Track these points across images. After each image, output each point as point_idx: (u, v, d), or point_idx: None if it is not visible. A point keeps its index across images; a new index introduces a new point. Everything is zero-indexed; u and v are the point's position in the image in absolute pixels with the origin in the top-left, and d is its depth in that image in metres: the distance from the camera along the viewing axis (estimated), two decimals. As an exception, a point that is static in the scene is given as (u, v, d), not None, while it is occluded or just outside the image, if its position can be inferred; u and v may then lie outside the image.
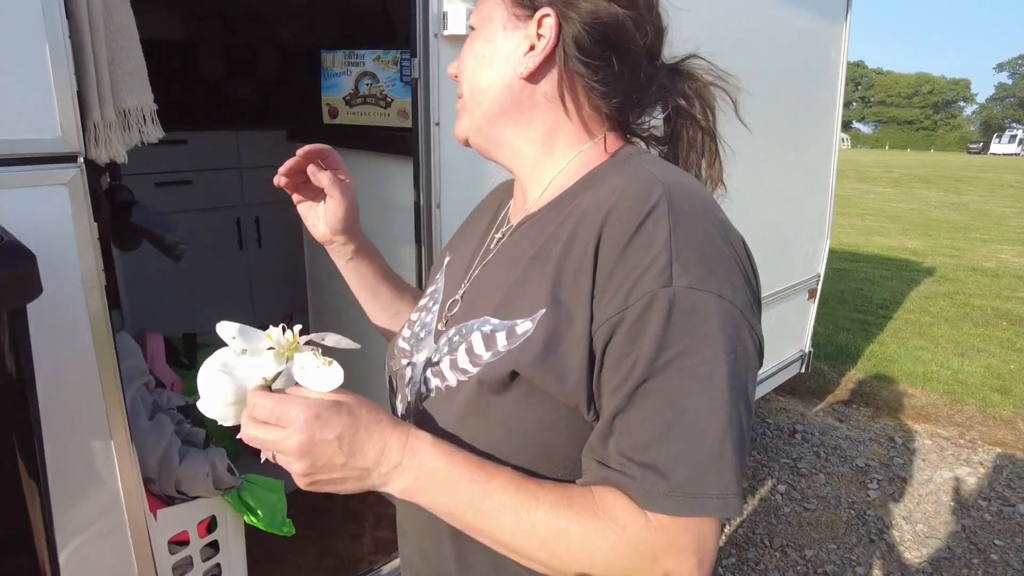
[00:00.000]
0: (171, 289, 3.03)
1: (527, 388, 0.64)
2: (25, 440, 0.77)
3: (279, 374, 0.61)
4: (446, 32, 1.44)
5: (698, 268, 0.58)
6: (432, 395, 0.72)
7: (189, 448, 1.38)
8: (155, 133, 1.17)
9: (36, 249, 0.95)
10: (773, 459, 3.34)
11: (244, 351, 0.62)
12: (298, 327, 0.62)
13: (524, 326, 0.65)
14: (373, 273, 0.98)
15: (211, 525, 1.42)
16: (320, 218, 0.92)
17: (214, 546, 1.44)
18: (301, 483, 0.60)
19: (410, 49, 1.46)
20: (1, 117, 0.89)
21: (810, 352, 3.42)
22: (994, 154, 53.19)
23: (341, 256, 0.97)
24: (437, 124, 1.49)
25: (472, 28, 0.76)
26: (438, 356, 0.74)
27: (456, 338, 0.72)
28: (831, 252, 8.72)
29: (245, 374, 0.61)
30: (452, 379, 0.70)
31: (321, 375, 0.61)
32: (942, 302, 6.26)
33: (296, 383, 0.61)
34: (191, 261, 3.10)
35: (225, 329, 0.62)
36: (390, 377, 0.84)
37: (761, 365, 0.64)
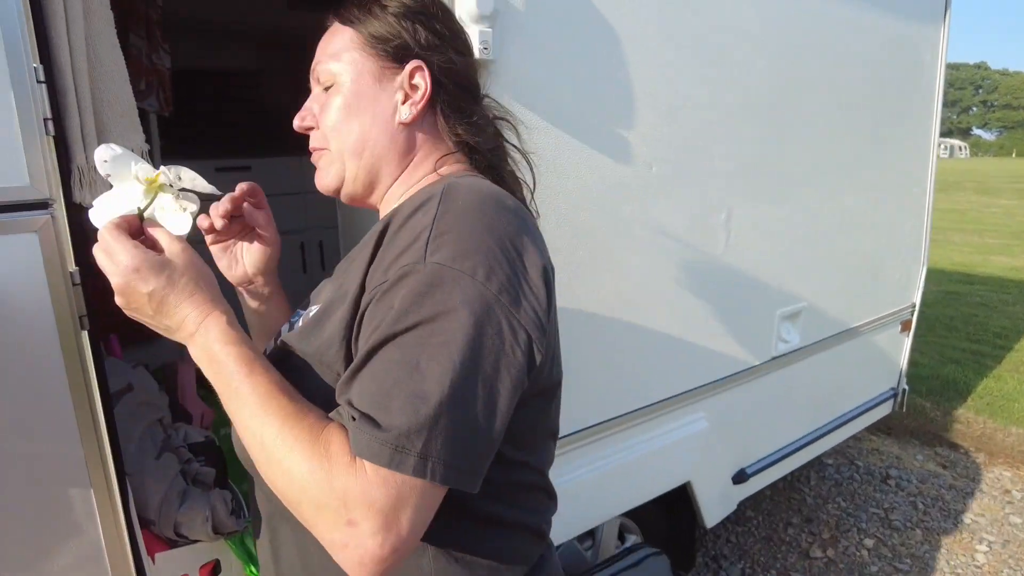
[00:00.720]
0: (235, 313, 3.11)
1: (297, 360, 0.73)
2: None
3: (148, 206, 0.71)
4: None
5: (452, 249, 0.63)
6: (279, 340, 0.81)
7: (193, 489, 1.35)
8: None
9: (5, 296, 0.94)
10: (860, 508, 3.01)
11: (109, 176, 0.70)
12: (164, 168, 0.70)
13: (312, 311, 0.75)
14: (283, 314, 0.98)
15: (216, 568, 1.39)
16: (240, 258, 0.94)
17: (219, 591, 1.40)
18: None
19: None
20: (-40, 166, 0.88)
21: (904, 390, 3.06)
22: None
23: (256, 298, 0.97)
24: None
25: (326, 82, 0.82)
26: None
27: (285, 331, 0.82)
28: (941, 273, 7.99)
29: (120, 201, 0.71)
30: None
31: (172, 219, 0.71)
32: (1075, 331, 5.55)
33: None
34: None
35: (102, 152, 0.69)
36: None
37: (535, 363, 0.66)
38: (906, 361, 3.03)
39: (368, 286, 0.67)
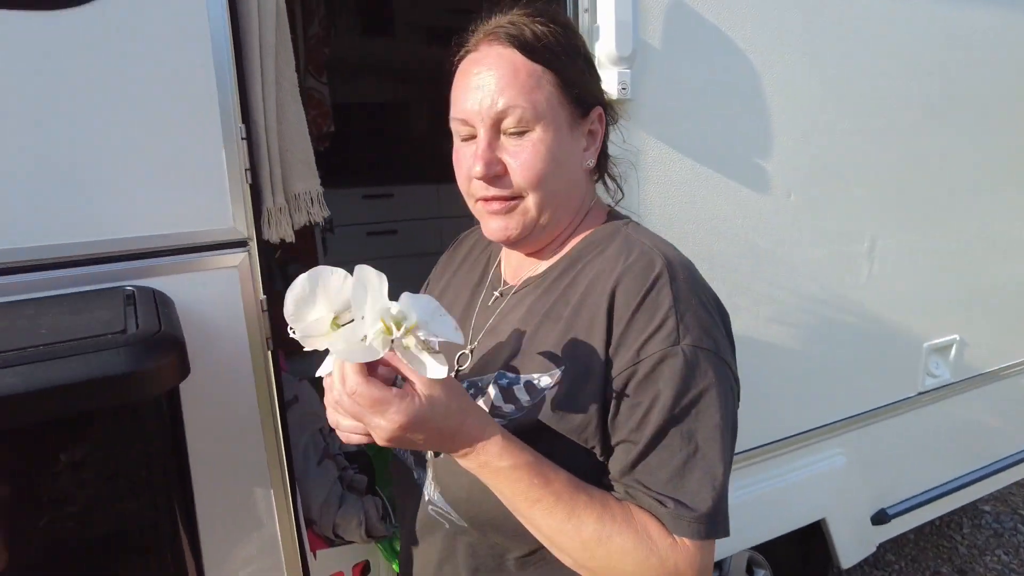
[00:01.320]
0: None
1: (551, 435, 0.74)
2: (179, 497, 0.88)
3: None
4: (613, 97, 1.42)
5: (695, 329, 0.71)
6: None
7: (349, 494, 1.49)
8: (320, 213, 1.31)
9: (208, 322, 1.11)
10: (1026, 561, 2.72)
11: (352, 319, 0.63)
12: (412, 321, 0.61)
13: (543, 381, 0.75)
14: None
15: (365, 569, 1.52)
16: None
17: (367, 589, 1.53)
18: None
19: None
20: (182, 212, 1.06)
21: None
22: None
23: None
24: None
25: (520, 127, 0.75)
26: None
27: (472, 391, 0.80)
28: None
29: (353, 349, 0.62)
30: None
31: (421, 362, 0.63)
32: None
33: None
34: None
35: (364, 274, 0.62)
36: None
37: (738, 399, 0.77)
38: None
39: (616, 364, 0.71)
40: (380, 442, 0.66)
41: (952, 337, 2.09)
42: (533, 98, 0.74)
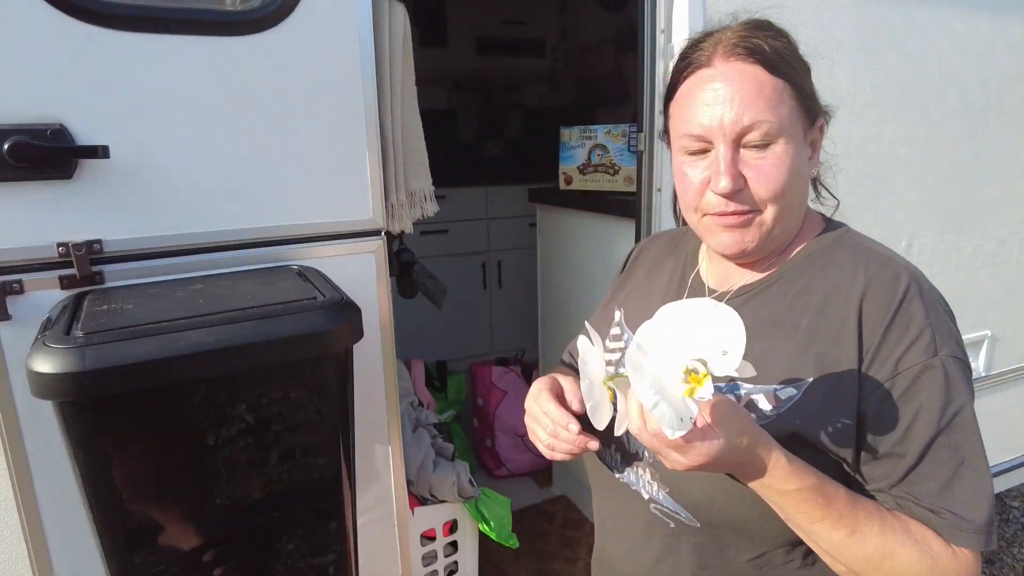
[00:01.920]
0: (428, 323, 3.55)
1: (801, 444, 0.74)
2: (347, 442, 1.07)
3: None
4: (669, 109, 1.60)
5: (949, 340, 0.73)
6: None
7: (440, 459, 1.68)
8: (433, 208, 1.49)
9: (353, 298, 1.30)
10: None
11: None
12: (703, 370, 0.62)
13: (787, 392, 0.76)
14: None
15: (453, 527, 1.70)
16: None
17: (454, 545, 1.71)
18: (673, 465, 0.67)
19: (637, 124, 1.64)
20: (336, 204, 1.25)
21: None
22: None
23: None
24: (659, 190, 1.65)
25: (764, 139, 0.75)
26: None
27: None
28: None
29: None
30: None
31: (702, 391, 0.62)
32: None
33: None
34: (448, 298, 3.62)
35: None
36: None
37: None
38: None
39: (873, 376, 0.73)
40: (673, 467, 0.67)
41: (984, 333, 2.24)
42: (778, 112, 0.74)
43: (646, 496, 0.86)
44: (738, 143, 0.76)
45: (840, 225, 0.88)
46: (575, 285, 2.26)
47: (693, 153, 0.79)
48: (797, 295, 0.80)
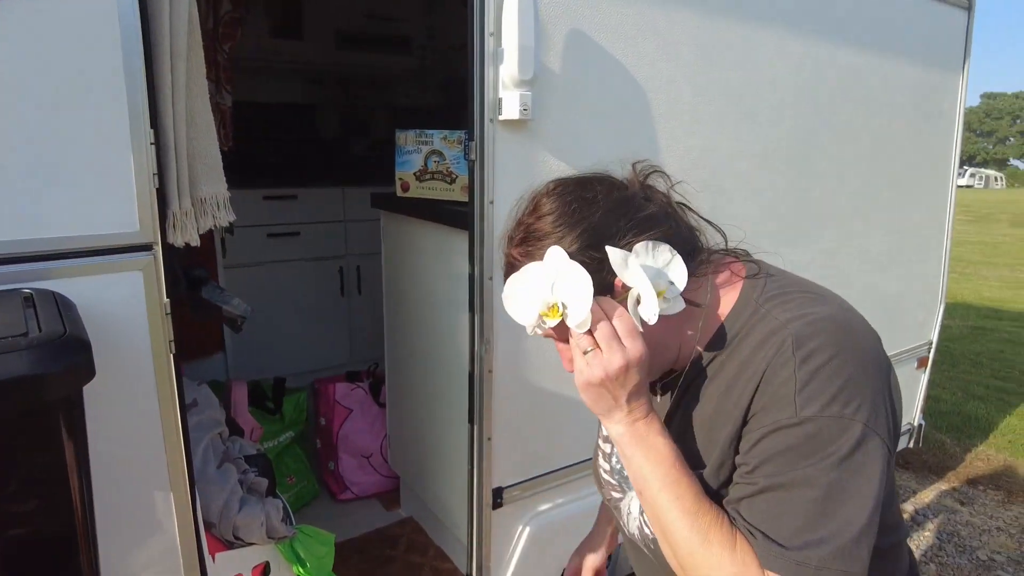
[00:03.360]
0: (278, 333, 3.31)
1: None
2: (84, 498, 0.89)
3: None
4: (501, 117, 1.51)
5: (820, 397, 0.71)
6: (659, 542, 0.82)
7: (250, 497, 1.50)
8: (227, 217, 1.32)
9: (111, 325, 1.11)
10: (875, 542, 3.06)
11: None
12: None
13: (703, 473, 0.81)
14: None
15: (266, 570, 1.53)
16: None
17: (268, 590, 1.55)
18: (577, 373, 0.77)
19: (468, 132, 1.55)
20: (87, 215, 1.06)
21: (920, 425, 3.12)
22: None
23: None
24: (491, 202, 1.56)
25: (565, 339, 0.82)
26: None
27: None
28: (969, 308, 7.93)
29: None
30: None
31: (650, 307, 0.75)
32: (1106, 371, 5.50)
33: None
34: (298, 308, 3.39)
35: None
36: (609, 504, 1.01)
37: (892, 442, 0.75)
38: (923, 397, 3.10)
39: (743, 436, 0.78)
40: (578, 382, 0.77)
41: (813, 342, 2.34)
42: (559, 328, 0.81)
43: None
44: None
45: (753, 281, 0.87)
46: (419, 296, 2.14)
47: None
48: (720, 387, 0.81)
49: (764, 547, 0.72)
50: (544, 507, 1.84)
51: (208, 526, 1.44)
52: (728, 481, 0.79)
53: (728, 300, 0.85)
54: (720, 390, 0.81)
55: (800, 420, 0.71)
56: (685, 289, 0.79)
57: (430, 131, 1.86)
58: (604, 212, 0.80)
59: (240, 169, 3.28)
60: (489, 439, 1.69)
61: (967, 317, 7.25)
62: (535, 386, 1.74)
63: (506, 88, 1.49)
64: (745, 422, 0.77)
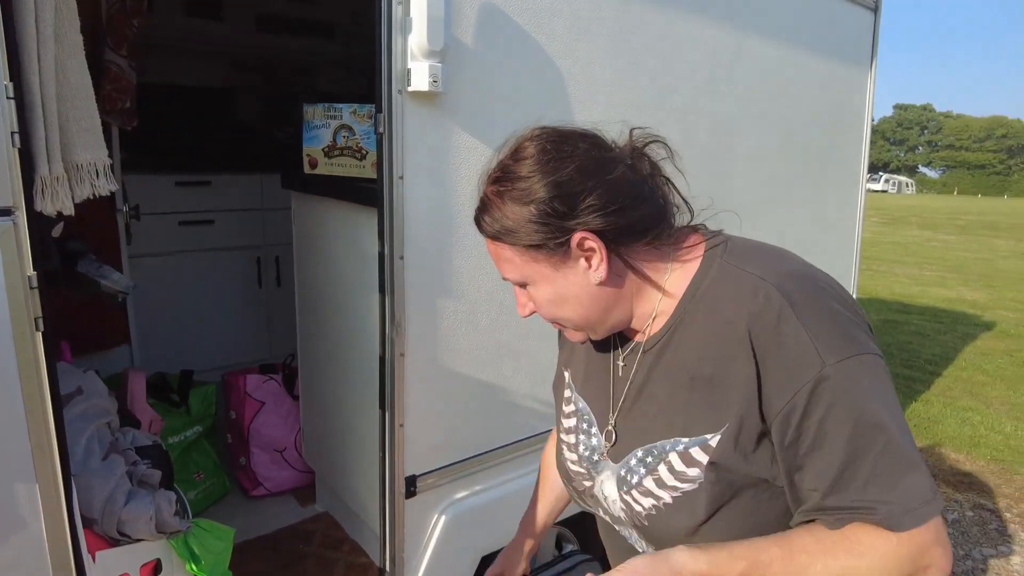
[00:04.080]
0: (191, 326, 3.14)
1: (741, 484, 0.81)
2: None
3: None
4: (410, 88, 1.46)
5: (834, 343, 0.74)
6: (654, 513, 0.87)
7: (138, 490, 1.40)
8: (107, 186, 1.22)
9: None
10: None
11: None
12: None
13: (715, 439, 0.81)
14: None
15: (157, 568, 1.43)
16: None
17: (160, 590, 1.44)
18: None
19: (375, 104, 1.49)
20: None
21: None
22: (1076, 202, 50.31)
23: None
24: (401, 177, 1.50)
25: (522, 283, 0.88)
26: (634, 478, 0.89)
27: (649, 459, 0.88)
28: (881, 303, 8.35)
29: None
30: (666, 496, 0.85)
31: None
32: (1000, 360, 5.88)
33: None
34: (213, 300, 3.22)
35: None
36: (580, 493, 1.01)
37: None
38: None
39: (775, 403, 0.76)
40: None
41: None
42: (516, 270, 0.87)
43: (640, 549, 0.95)
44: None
45: (714, 243, 0.89)
46: (330, 280, 2.06)
47: None
48: (699, 341, 0.83)
49: (886, 513, 0.73)
50: (460, 495, 1.80)
51: (90, 522, 1.33)
52: (756, 442, 0.79)
53: (692, 266, 0.87)
54: (698, 347, 0.83)
55: (831, 371, 0.73)
56: (644, 261, 0.86)
57: (339, 104, 1.79)
58: (576, 168, 0.81)
59: (152, 153, 3.12)
60: (401, 425, 1.63)
61: (880, 311, 7.63)
62: (449, 370, 1.69)
63: (415, 59, 1.44)
64: (760, 382, 0.77)
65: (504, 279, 0.90)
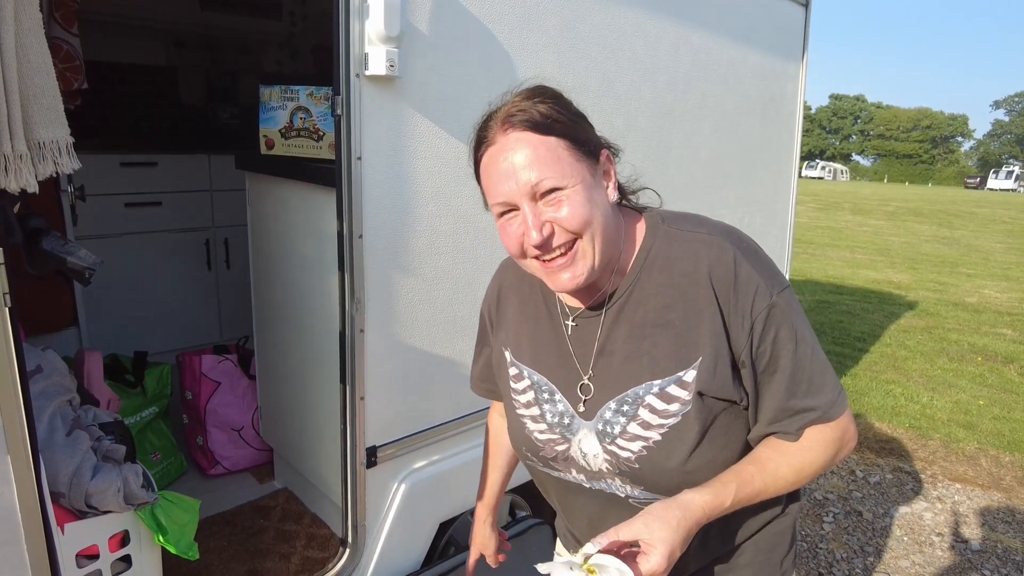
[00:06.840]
0: (139, 308, 3.10)
1: (718, 408, 0.95)
2: None
3: None
4: (367, 72, 1.51)
5: (773, 279, 0.94)
6: (644, 454, 0.97)
7: (104, 464, 1.42)
8: (70, 164, 1.23)
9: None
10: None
11: None
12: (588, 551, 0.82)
13: (689, 374, 0.94)
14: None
15: (124, 540, 1.46)
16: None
17: (126, 560, 1.47)
18: None
19: (333, 87, 1.53)
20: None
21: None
22: (991, 189, 53.33)
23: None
24: (359, 158, 1.56)
25: (557, 188, 0.89)
26: (615, 428, 0.98)
27: (625, 407, 0.97)
28: (816, 284, 8.76)
29: None
30: (654, 435, 0.96)
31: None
32: (920, 336, 6.30)
33: None
34: (161, 282, 3.19)
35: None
36: (549, 461, 1.07)
37: None
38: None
39: (737, 331, 0.92)
40: None
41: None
42: (556, 166, 0.88)
43: (623, 495, 1.02)
44: (535, 198, 0.89)
45: (652, 215, 1.03)
46: (288, 259, 2.09)
47: (505, 213, 0.93)
48: (658, 293, 0.96)
49: (824, 410, 0.94)
50: (419, 464, 1.88)
51: (57, 496, 1.36)
52: (734, 366, 0.94)
53: (638, 234, 1.01)
54: (658, 299, 0.96)
55: (777, 299, 0.92)
56: (622, 214, 1.01)
57: (296, 86, 1.82)
58: (583, 121, 0.96)
59: (96, 133, 3.05)
60: (362, 398, 1.70)
61: (814, 292, 8.03)
62: (408, 344, 1.76)
63: (372, 44, 1.49)
64: (723, 316, 0.92)
65: (532, 187, 0.88)
